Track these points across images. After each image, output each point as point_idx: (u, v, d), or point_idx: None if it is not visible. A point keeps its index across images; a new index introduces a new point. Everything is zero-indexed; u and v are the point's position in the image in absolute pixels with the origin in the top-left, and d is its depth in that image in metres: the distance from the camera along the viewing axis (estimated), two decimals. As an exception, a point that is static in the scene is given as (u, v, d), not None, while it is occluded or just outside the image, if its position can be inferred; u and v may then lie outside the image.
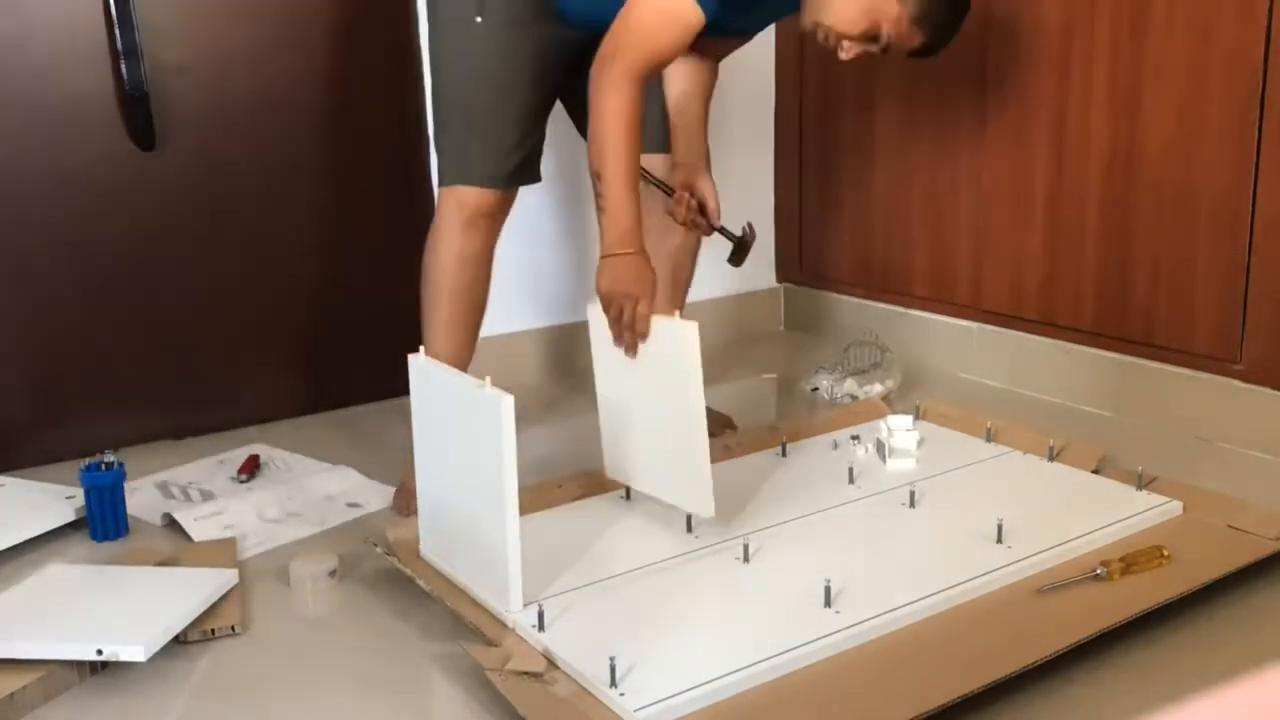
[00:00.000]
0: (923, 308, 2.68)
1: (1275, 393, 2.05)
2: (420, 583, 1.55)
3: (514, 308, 2.57)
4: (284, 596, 1.63)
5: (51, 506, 1.88)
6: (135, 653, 1.37)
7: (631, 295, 1.65)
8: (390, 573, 1.65)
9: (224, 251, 2.32)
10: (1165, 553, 1.55)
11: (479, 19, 1.83)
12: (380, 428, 2.34)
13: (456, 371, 1.60)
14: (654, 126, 1.92)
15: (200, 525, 1.84)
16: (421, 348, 1.66)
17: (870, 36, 1.72)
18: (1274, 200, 2.01)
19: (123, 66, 2.14)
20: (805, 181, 2.94)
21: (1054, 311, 2.40)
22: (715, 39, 1.77)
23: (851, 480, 1.86)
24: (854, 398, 2.38)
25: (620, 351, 1.71)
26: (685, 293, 2.15)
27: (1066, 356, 2.37)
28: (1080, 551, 1.60)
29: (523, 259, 2.56)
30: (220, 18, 2.25)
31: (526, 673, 1.33)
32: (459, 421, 1.50)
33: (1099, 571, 1.52)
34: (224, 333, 2.34)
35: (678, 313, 1.64)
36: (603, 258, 1.68)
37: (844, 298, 2.89)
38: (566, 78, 1.96)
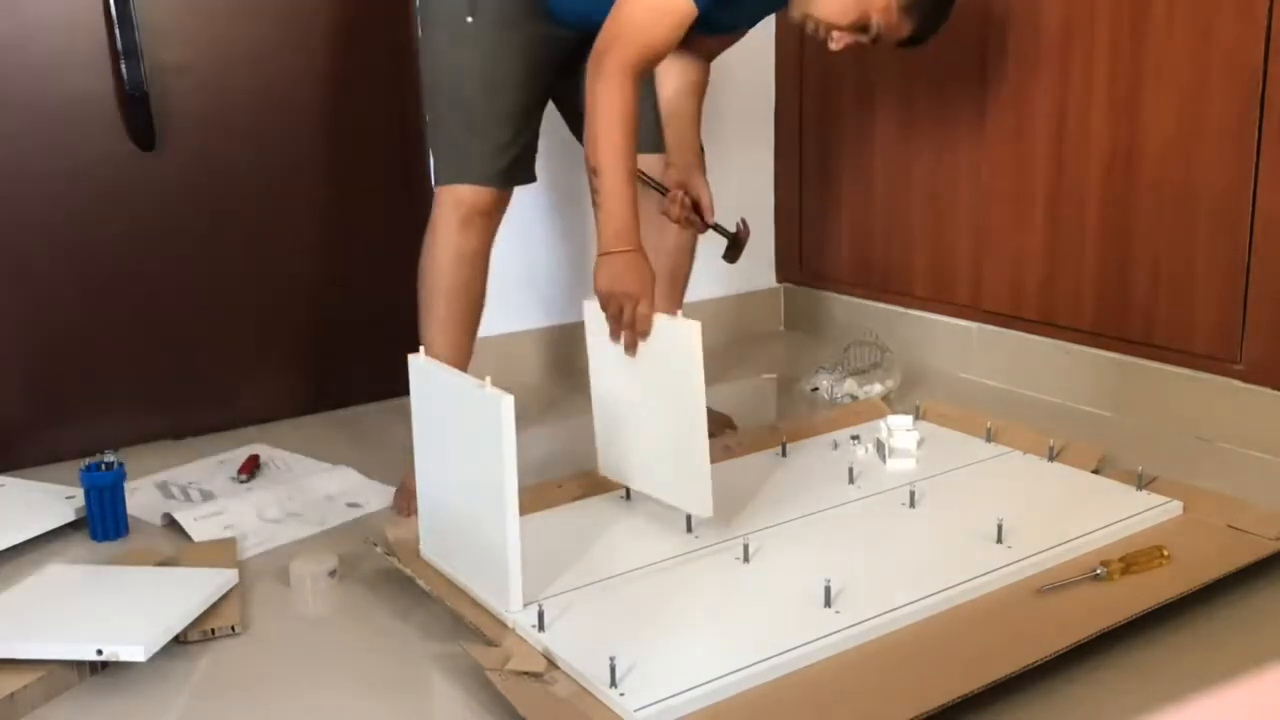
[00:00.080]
0: (923, 308, 2.68)
1: (1275, 393, 2.05)
2: (420, 583, 1.55)
3: (513, 307, 2.57)
4: (284, 596, 1.63)
5: (51, 506, 1.88)
6: (135, 653, 1.37)
7: (631, 295, 1.65)
8: (390, 573, 1.65)
9: (224, 251, 2.32)
10: (1165, 553, 1.55)
11: (470, 19, 1.83)
12: (380, 428, 2.34)
13: (456, 371, 1.60)
14: (647, 126, 1.92)
15: (200, 525, 1.84)
16: (421, 348, 1.66)
17: (860, 26, 1.72)
18: (1274, 200, 2.01)
19: (123, 66, 2.14)
20: (805, 181, 2.94)
21: (1054, 311, 2.40)
22: (706, 35, 1.77)
23: (851, 480, 1.86)
24: (854, 398, 2.38)
25: (617, 349, 1.71)
26: (683, 291, 2.15)
27: (1066, 356, 2.37)
28: (1080, 551, 1.60)
29: (522, 259, 2.56)
30: (220, 18, 2.25)
31: (526, 673, 1.33)
32: (459, 421, 1.50)
33: (1099, 571, 1.52)
34: (224, 333, 2.34)
35: (679, 312, 1.64)
36: (600, 255, 1.68)
37: (844, 298, 2.89)
38: (559, 79, 1.96)
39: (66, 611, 1.48)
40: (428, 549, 1.64)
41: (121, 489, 1.84)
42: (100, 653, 1.37)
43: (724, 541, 1.64)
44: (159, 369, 2.28)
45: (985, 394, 2.45)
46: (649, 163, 1.99)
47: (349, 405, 2.47)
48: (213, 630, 1.50)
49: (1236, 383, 2.10)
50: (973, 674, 1.29)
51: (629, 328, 1.66)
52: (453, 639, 1.46)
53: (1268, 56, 1.97)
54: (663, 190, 1.98)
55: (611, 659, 1.28)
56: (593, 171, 1.68)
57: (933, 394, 2.41)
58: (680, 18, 1.66)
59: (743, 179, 2.92)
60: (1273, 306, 2.03)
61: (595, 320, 1.74)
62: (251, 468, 2.08)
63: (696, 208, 1.98)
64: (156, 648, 1.39)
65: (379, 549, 1.67)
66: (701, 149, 2.04)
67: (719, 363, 2.67)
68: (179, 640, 1.47)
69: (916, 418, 2.12)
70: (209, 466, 2.14)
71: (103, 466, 1.82)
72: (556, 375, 2.66)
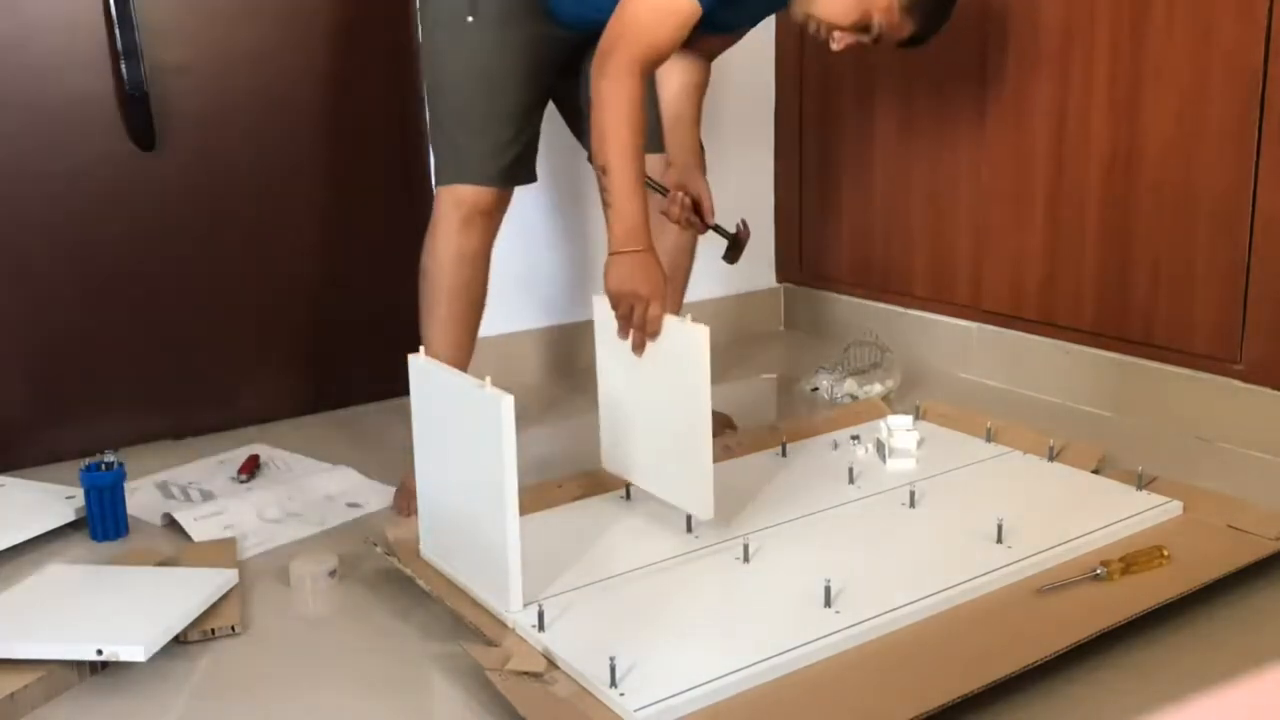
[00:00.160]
0: (923, 308, 2.68)
1: (1275, 393, 2.05)
2: (420, 583, 1.55)
3: (514, 307, 2.57)
4: (284, 596, 1.63)
5: (51, 506, 1.88)
6: (135, 653, 1.37)
7: (641, 296, 1.64)
8: (390, 573, 1.65)
9: (224, 251, 2.32)
10: (1165, 553, 1.56)
11: (471, 18, 1.83)
12: (380, 428, 2.34)
13: (456, 371, 1.60)
14: (648, 126, 1.92)
15: (200, 525, 1.84)
16: (421, 348, 1.66)
17: (861, 27, 1.72)
18: (1274, 200, 2.01)
19: (123, 66, 2.14)
20: (805, 181, 2.94)
21: (1054, 311, 2.40)
22: (708, 35, 1.77)
23: (851, 480, 1.86)
24: (854, 398, 2.38)
25: (625, 346, 1.71)
26: (683, 291, 2.15)
27: (1066, 356, 2.37)
28: (1080, 551, 1.60)
29: (522, 259, 2.56)
30: (220, 18, 2.25)
31: (526, 673, 1.33)
32: (459, 421, 1.50)
33: (1099, 571, 1.52)
34: (224, 333, 2.34)
35: (689, 316, 1.63)
36: (611, 254, 1.67)
37: (844, 298, 2.89)
38: (560, 79, 1.96)
39: (66, 611, 1.48)
40: (428, 549, 1.64)
41: (121, 489, 1.84)
42: (100, 653, 1.37)
43: (724, 541, 1.64)
44: (159, 369, 2.28)
45: (985, 394, 2.45)
46: (650, 163, 1.99)
47: (349, 405, 2.47)
48: (213, 630, 1.50)
49: (1236, 383, 2.10)
50: (973, 674, 1.29)
51: (638, 329, 1.66)
52: (453, 639, 1.46)
53: (1268, 57, 1.97)
54: (663, 191, 1.98)
55: (611, 659, 1.28)
56: (601, 170, 1.67)
57: (933, 394, 2.41)
58: (684, 17, 1.66)
59: (743, 179, 2.92)
60: (1273, 306, 2.03)
61: (604, 315, 1.74)
62: (251, 468, 2.08)
63: (697, 208, 1.98)
64: (156, 648, 1.39)
65: (379, 549, 1.67)
66: (702, 149, 2.04)
67: (719, 363, 2.65)
68: (179, 640, 1.47)
69: (916, 418, 2.12)
70: (209, 466, 2.14)
71: (103, 466, 1.82)
72: (556, 375, 2.66)
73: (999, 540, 1.61)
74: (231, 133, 2.29)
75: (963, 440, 2.05)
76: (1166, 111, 2.13)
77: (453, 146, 1.90)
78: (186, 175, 2.25)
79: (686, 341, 1.60)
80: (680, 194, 1.96)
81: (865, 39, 1.74)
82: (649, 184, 1.98)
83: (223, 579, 1.58)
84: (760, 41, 2.87)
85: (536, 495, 1.78)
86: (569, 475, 1.88)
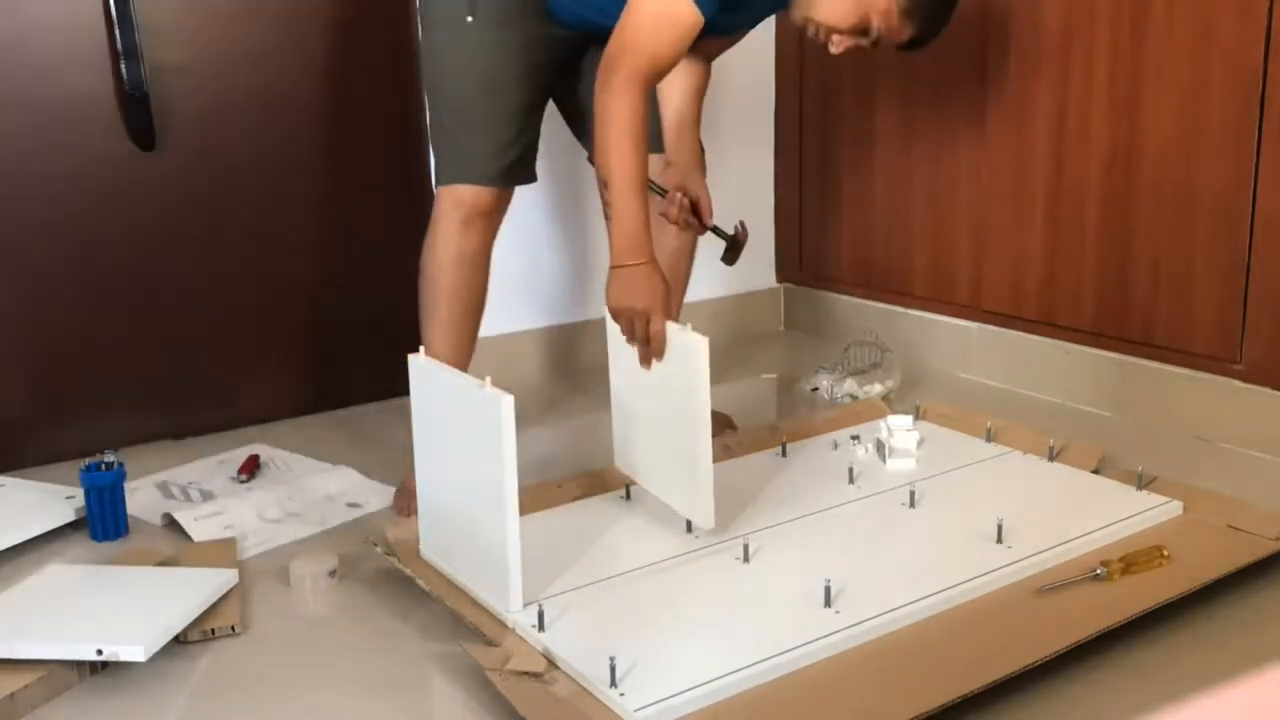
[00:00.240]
0: (923, 308, 2.68)
1: (1275, 393, 2.05)
2: (420, 583, 1.55)
3: (513, 308, 2.57)
4: (284, 596, 1.63)
5: (51, 506, 1.88)
6: (135, 653, 1.37)
7: (640, 310, 1.64)
8: (390, 573, 1.65)
9: (224, 251, 2.32)
10: (1165, 553, 1.55)
11: (470, 18, 1.83)
12: (380, 428, 2.34)
13: (456, 371, 1.59)
14: (649, 133, 1.92)
15: (200, 525, 1.84)
16: (421, 348, 1.66)
17: (860, 30, 1.71)
18: (1274, 200, 2.01)
19: (123, 66, 2.14)
20: (805, 181, 2.94)
21: (1054, 311, 2.40)
22: (708, 37, 1.77)
23: (851, 480, 1.86)
24: (854, 398, 2.38)
25: (633, 353, 1.70)
26: (683, 292, 2.15)
27: (1066, 356, 2.37)
28: (1080, 551, 1.60)
29: (522, 259, 2.56)
30: (220, 18, 2.25)
31: (526, 673, 1.33)
32: (459, 421, 1.50)
33: (1099, 571, 1.52)
34: (224, 333, 2.34)
35: (689, 325, 1.63)
36: (612, 268, 1.67)
37: (844, 298, 2.89)
38: (560, 80, 1.96)
39: (66, 611, 1.48)
40: (428, 549, 1.64)
41: (121, 489, 1.84)
42: (100, 653, 1.37)
43: (724, 541, 1.64)
44: (159, 369, 2.28)
45: (985, 394, 2.45)
46: (649, 163, 1.99)
47: (349, 405, 2.47)
48: (213, 630, 1.50)
49: (1236, 383, 2.10)
50: (973, 674, 1.29)
51: (642, 344, 1.66)
52: (453, 639, 1.46)
53: (1268, 56, 1.97)
54: (662, 192, 1.98)
55: (611, 659, 1.28)
56: (603, 184, 1.67)
57: (933, 394, 2.41)
58: (687, 28, 1.66)
59: (743, 179, 2.92)
60: (1273, 306, 2.03)
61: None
62: (251, 468, 2.08)
63: (695, 209, 1.98)
64: (156, 648, 1.39)
65: (379, 549, 1.67)
66: (701, 149, 2.04)
67: (719, 363, 2.65)
68: (179, 640, 1.47)
69: (916, 418, 2.12)
70: (209, 466, 2.14)
71: (103, 466, 1.82)
72: (556, 375, 2.66)
73: (999, 540, 1.61)
74: (231, 133, 2.29)
75: (963, 440, 2.05)
76: (1166, 110, 2.13)
77: (453, 147, 1.90)
78: (186, 175, 2.25)
79: (686, 351, 1.60)
80: (679, 195, 1.96)
81: (864, 42, 1.74)
82: (650, 185, 1.98)
83: (223, 579, 1.58)
84: (760, 42, 2.87)
85: (536, 495, 1.78)
86: (569, 475, 1.88)
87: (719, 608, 1.48)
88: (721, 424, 2.15)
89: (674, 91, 1.99)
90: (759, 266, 3.01)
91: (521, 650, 1.38)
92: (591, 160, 2.07)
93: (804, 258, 2.99)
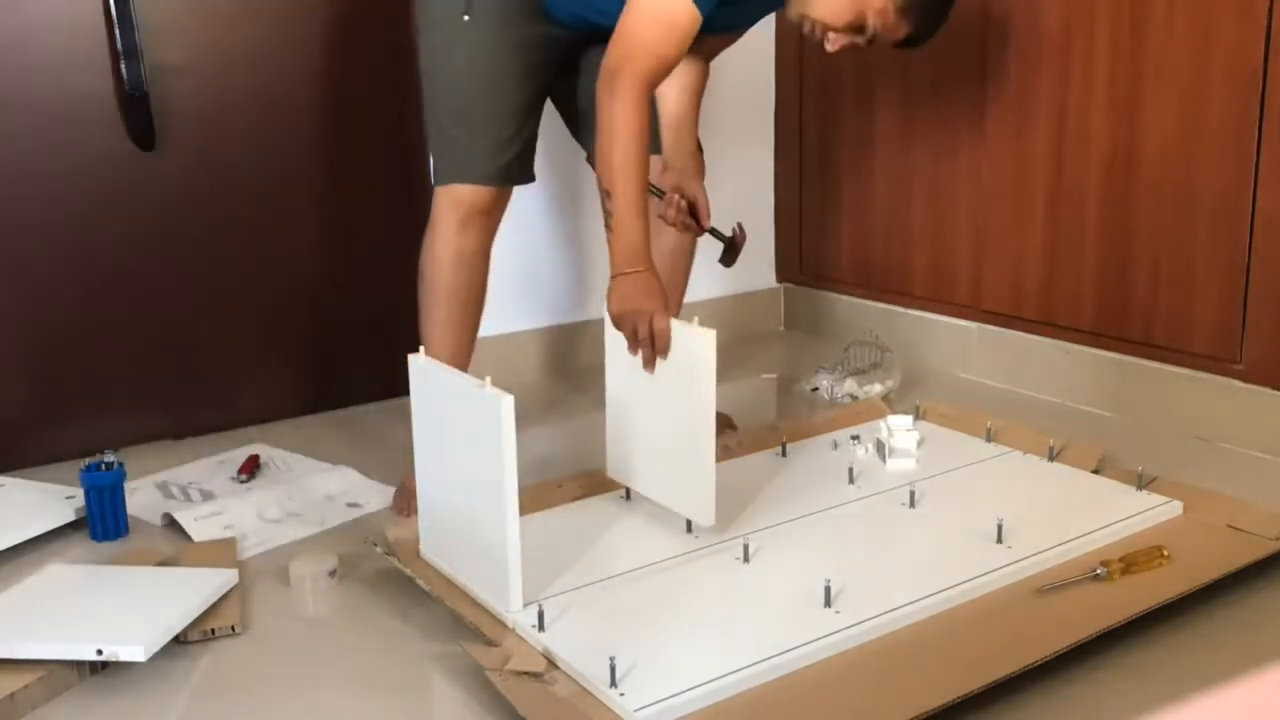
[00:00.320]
0: (923, 308, 2.68)
1: (1275, 393, 2.05)
2: (420, 583, 1.55)
3: (512, 308, 2.57)
4: (284, 596, 1.63)
5: (51, 506, 1.88)
6: (135, 653, 1.37)
7: (644, 312, 1.64)
8: (390, 573, 1.65)
9: (224, 251, 2.32)
10: (1165, 553, 1.56)
11: (466, 17, 1.83)
12: (380, 428, 2.34)
13: (456, 371, 1.59)
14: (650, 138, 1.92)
15: (200, 525, 1.84)
16: (421, 348, 1.66)
17: (856, 28, 1.71)
18: (1274, 200, 2.01)
19: (123, 66, 2.14)
20: (805, 181, 2.94)
21: (1054, 311, 2.40)
22: (706, 36, 1.77)
23: (851, 480, 1.86)
24: (854, 398, 2.38)
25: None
26: (682, 292, 2.15)
27: (1066, 356, 2.37)
28: (1080, 551, 1.60)
29: (520, 259, 2.56)
30: (220, 18, 2.25)
31: (526, 673, 1.33)
32: (459, 421, 1.50)
33: (1099, 571, 1.52)
34: (224, 333, 2.34)
35: (695, 319, 1.63)
36: (613, 277, 1.67)
37: (844, 298, 2.89)
38: (557, 78, 1.96)
39: (66, 611, 1.48)
40: (428, 549, 1.64)
41: (121, 489, 1.84)
42: (100, 653, 1.37)
43: (724, 541, 1.64)
44: (159, 369, 2.28)
45: (985, 394, 2.45)
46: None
47: (349, 405, 2.47)
48: (213, 630, 1.50)
49: (1236, 383, 2.10)
50: (973, 674, 1.29)
51: (646, 344, 1.66)
52: (453, 639, 1.46)
53: (1268, 56, 1.97)
54: (660, 193, 1.98)
55: (611, 659, 1.28)
56: (606, 193, 1.67)
57: (933, 394, 2.41)
58: (687, 28, 1.66)
59: (743, 179, 2.92)
60: (1273, 306, 2.03)
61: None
62: (251, 468, 2.08)
63: (693, 211, 1.98)
64: (156, 648, 1.39)
65: (379, 549, 1.67)
66: (700, 150, 2.04)
67: (719, 363, 2.66)
68: (179, 640, 1.47)
69: (916, 418, 2.12)
70: (209, 466, 2.14)
71: (103, 466, 1.82)
72: (556, 375, 2.66)
73: (999, 540, 1.61)
74: (231, 133, 2.28)
75: (963, 440, 2.05)
76: (1166, 110, 2.14)
77: (451, 146, 1.90)
78: (186, 175, 2.25)
79: (692, 346, 1.60)
80: (676, 197, 1.96)
81: (860, 40, 1.73)
82: (648, 189, 1.98)
83: (223, 579, 1.58)
84: (760, 41, 2.87)
85: (536, 495, 1.78)
86: (569, 475, 1.88)
87: (719, 608, 1.48)
88: (721, 424, 2.15)
89: (671, 92, 1.99)
90: (759, 266, 3.01)
91: (521, 650, 1.38)
92: (590, 161, 2.07)
93: (804, 258, 2.99)
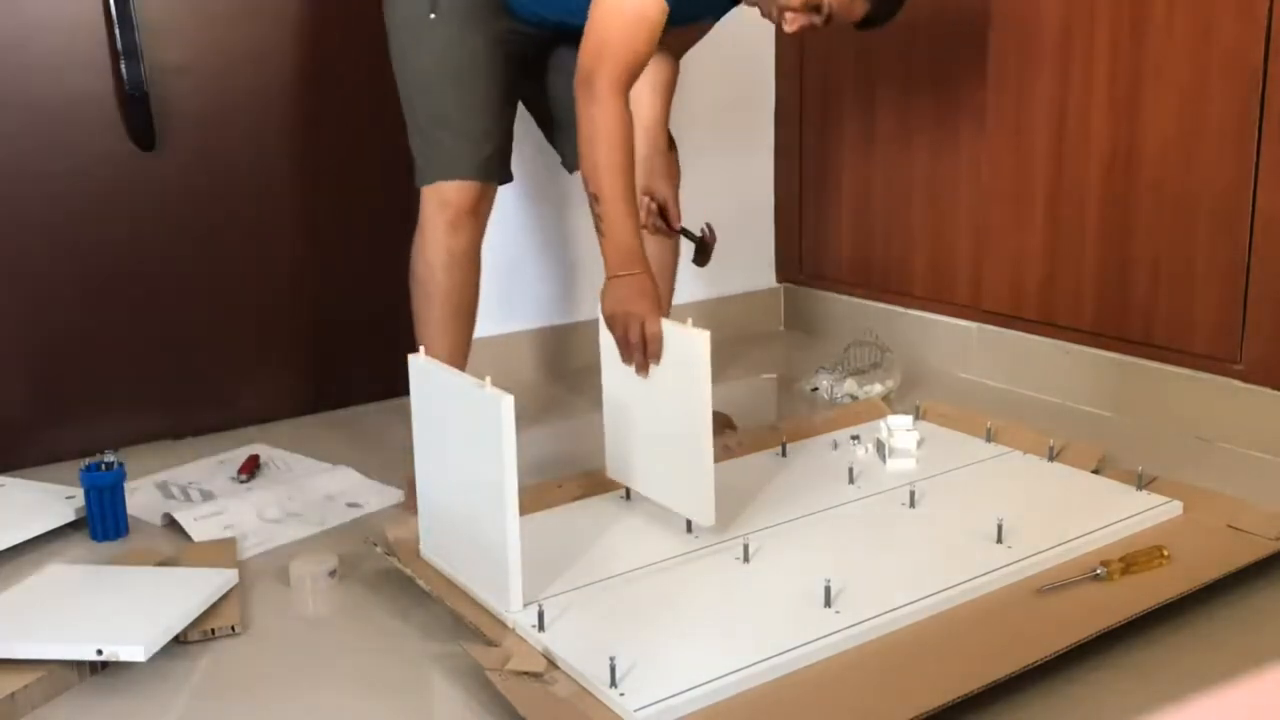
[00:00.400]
0: (923, 308, 2.68)
1: (1275, 393, 2.05)
2: (420, 583, 1.55)
3: (509, 308, 2.57)
4: (284, 596, 1.63)
5: (51, 506, 1.88)
6: (135, 653, 1.37)
7: (637, 315, 1.64)
8: (390, 573, 1.65)
9: (224, 251, 2.32)
10: (1165, 553, 1.55)
11: (432, 15, 1.84)
12: (380, 428, 2.34)
13: (456, 371, 1.60)
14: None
15: (200, 525, 1.84)
16: (421, 348, 1.66)
17: (812, 7, 1.69)
18: (1274, 200, 2.01)
19: (123, 66, 2.14)
20: (805, 181, 2.94)
21: (1054, 311, 2.40)
22: (673, 29, 1.75)
23: (851, 480, 1.86)
24: (854, 398, 2.38)
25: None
26: (671, 288, 2.13)
27: (1066, 356, 2.37)
28: (1080, 551, 1.60)
29: (512, 260, 2.56)
30: (220, 18, 2.25)
31: (526, 673, 1.33)
32: (459, 421, 1.50)
33: (1099, 571, 1.52)
34: (224, 333, 2.34)
35: (689, 320, 1.63)
36: (608, 279, 1.67)
37: (844, 298, 2.89)
38: (526, 79, 1.95)
39: (66, 611, 1.48)
40: (428, 549, 1.64)
41: (121, 489, 1.84)
42: (100, 653, 1.37)
43: (724, 541, 1.64)
44: (159, 369, 2.28)
45: (985, 394, 2.45)
46: None
47: (349, 405, 2.47)
48: (213, 630, 1.50)
49: (1236, 383, 2.10)
50: (973, 674, 1.29)
51: (638, 348, 1.65)
52: (453, 639, 1.46)
53: (1268, 56, 1.97)
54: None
55: (611, 659, 1.28)
56: (594, 198, 1.68)
57: (933, 394, 2.41)
58: (654, 22, 1.67)
59: (743, 179, 2.92)
60: (1273, 306, 2.03)
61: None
62: (251, 468, 2.08)
63: (663, 213, 1.97)
64: (156, 648, 1.39)
65: (379, 549, 1.67)
66: (674, 147, 2.01)
67: (719, 363, 2.65)
68: (179, 640, 1.47)
69: (916, 418, 2.12)
70: (209, 466, 2.14)
71: (103, 466, 1.82)
72: (552, 376, 2.66)
73: (999, 540, 1.61)
74: (231, 133, 2.28)
75: (963, 440, 2.05)
76: (1166, 110, 2.13)
77: (431, 146, 1.90)
78: (186, 175, 2.25)
79: (687, 347, 1.60)
80: (646, 199, 1.95)
81: (817, 20, 1.71)
82: None
83: (223, 579, 1.58)
84: (760, 41, 2.87)
85: (536, 495, 1.78)
86: (569, 475, 1.88)
87: (719, 608, 1.48)
88: (721, 424, 2.15)
89: (644, 92, 1.96)
90: (759, 266, 3.01)
91: (521, 650, 1.38)
92: (567, 167, 2.07)
93: (804, 258, 2.99)
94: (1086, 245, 2.31)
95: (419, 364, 1.59)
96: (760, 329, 3.02)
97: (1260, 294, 2.05)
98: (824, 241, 2.93)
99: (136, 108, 2.16)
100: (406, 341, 1.86)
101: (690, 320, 1.63)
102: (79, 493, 1.87)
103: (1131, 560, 1.53)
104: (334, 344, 2.46)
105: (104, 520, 1.82)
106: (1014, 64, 2.38)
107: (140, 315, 2.25)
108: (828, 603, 1.44)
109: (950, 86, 2.52)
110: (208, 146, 2.27)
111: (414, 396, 1.60)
